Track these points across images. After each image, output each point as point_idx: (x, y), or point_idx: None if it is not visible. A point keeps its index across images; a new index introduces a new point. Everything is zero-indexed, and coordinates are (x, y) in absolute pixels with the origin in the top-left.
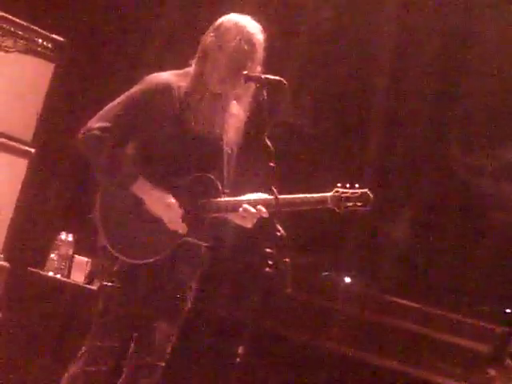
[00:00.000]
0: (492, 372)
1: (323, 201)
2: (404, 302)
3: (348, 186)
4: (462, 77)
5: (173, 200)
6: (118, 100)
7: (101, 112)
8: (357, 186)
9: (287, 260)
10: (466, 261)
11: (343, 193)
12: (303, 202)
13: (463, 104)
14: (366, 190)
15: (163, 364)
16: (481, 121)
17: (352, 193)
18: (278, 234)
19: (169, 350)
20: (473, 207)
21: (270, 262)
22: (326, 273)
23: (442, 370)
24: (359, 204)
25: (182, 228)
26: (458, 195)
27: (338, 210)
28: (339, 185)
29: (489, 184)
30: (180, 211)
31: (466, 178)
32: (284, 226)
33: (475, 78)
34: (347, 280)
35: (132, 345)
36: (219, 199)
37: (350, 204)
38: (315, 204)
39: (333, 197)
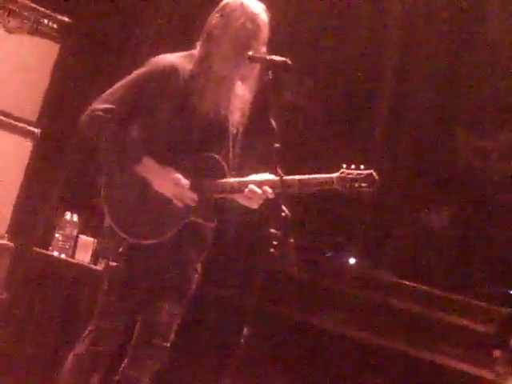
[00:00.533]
0: (496, 354)
1: (329, 182)
2: (408, 283)
3: (353, 167)
4: (471, 59)
5: (178, 175)
6: (123, 81)
7: (105, 93)
8: (362, 167)
9: (292, 241)
10: (471, 242)
11: (349, 174)
12: (309, 182)
13: (471, 87)
14: (371, 171)
15: (168, 345)
16: (489, 105)
17: (357, 174)
18: (283, 214)
19: (174, 331)
20: (478, 190)
21: (275, 243)
22: (331, 254)
23: (447, 351)
24: (364, 185)
25: (190, 199)
26: (463, 177)
27: (343, 191)
28: (344, 166)
29: (495, 167)
30: (186, 185)
31: (473, 161)
32: (289, 206)
33: (483, 61)
34: (352, 261)
35: (137, 325)
36: (225, 180)
37: (356, 185)
38: (321, 185)
39: (338, 178)
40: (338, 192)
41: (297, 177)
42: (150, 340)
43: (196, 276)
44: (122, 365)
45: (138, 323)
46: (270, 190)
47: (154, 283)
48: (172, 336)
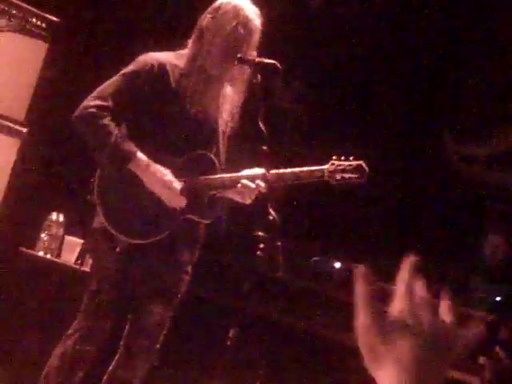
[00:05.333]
0: (482, 360)
1: (319, 173)
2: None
3: (343, 158)
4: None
5: (171, 177)
6: (114, 79)
7: (97, 90)
8: (351, 158)
9: (279, 244)
10: (459, 247)
11: (339, 165)
12: (299, 175)
13: (459, 88)
14: (361, 161)
15: (158, 346)
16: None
17: (348, 165)
18: (271, 218)
19: (164, 332)
20: (466, 196)
21: (262, 246)
22: (317, 257)
23: None
24: (355, 176)
25: (180, 202)
26: (452, 181)
27: (333, 183)
28: (334, 157)
29: (484, 173)
30: (178, 188)
31: (460, 166)
32: (277, 210)
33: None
34: (338, 265)
35: (127, 327)
36: (218, 175)
37: (346, 176)
38: (311, 177)
39: (329, 169)
40: (329, 185)
41: (288, 170)
42: (139, 341)
43: (187, 278)
44: (111, 365)
45: (128, 324)
46: (262, 184)
47: (146, 284)
48: (162, 338)
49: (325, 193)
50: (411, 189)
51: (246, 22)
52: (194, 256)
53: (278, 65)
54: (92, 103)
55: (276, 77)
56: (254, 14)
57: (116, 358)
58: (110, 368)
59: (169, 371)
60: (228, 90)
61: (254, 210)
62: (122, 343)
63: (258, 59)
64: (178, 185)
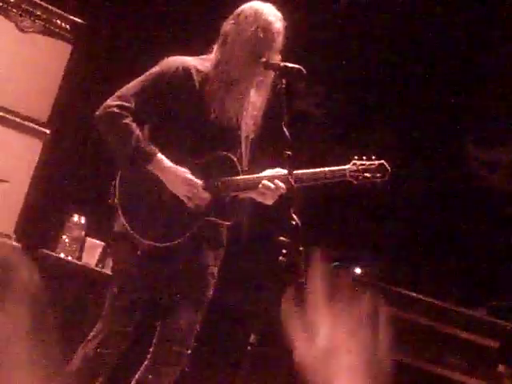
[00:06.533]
0: (501, 368)
1: (341, 173)
2: (414, 295)
3: (364, 158)
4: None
5: (190, 176)
6: (139, 79)
7: (120, 91)
8: (373, 157)
9: (301, 249)
10: (478, 256)
11: (361, 165)
12: (321, 175)
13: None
14: (382, 161)
15: (189, 352)
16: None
17: (369, 164)
18: (293, 222)
19: (193, 337)
20: (487, 201)
21: (284, 251)
22: (337, 263)
23: (452, 364)
24: (377, 175)
25: (202, 199)
26: (473, 187)
27: (356, 183)
28: (356, 157)
29: (503, 178)
30: (199, 187)
31: (482, 171)
32: (299, 215)
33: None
34: (358, 271)
35: (156, 333)
36: (239, 177)
37: (369, 175)
38: (333, 177)
39: (351, 169)
40: (351, 188)
41: (310, 170)
42: (169, 347)
43: (213, 281)
44: (140, 371)
45: (158, 330)
46: (281, 184)
47: (170, 288)
48: (192, 343)
49: (346, 197)
50: (432, 193)
51: (266, 26)
52: (218, 259)
53: (303, 70)
54: (114, 103)
55: (301, 81)
56: (274, 17)
57: (145, 363)
58: (139, 373)
59: (187, 376)
60: (252, 94)
61: (276, 215)
62: (151, 349)
63: (283, 64)
64: (198, 183)
